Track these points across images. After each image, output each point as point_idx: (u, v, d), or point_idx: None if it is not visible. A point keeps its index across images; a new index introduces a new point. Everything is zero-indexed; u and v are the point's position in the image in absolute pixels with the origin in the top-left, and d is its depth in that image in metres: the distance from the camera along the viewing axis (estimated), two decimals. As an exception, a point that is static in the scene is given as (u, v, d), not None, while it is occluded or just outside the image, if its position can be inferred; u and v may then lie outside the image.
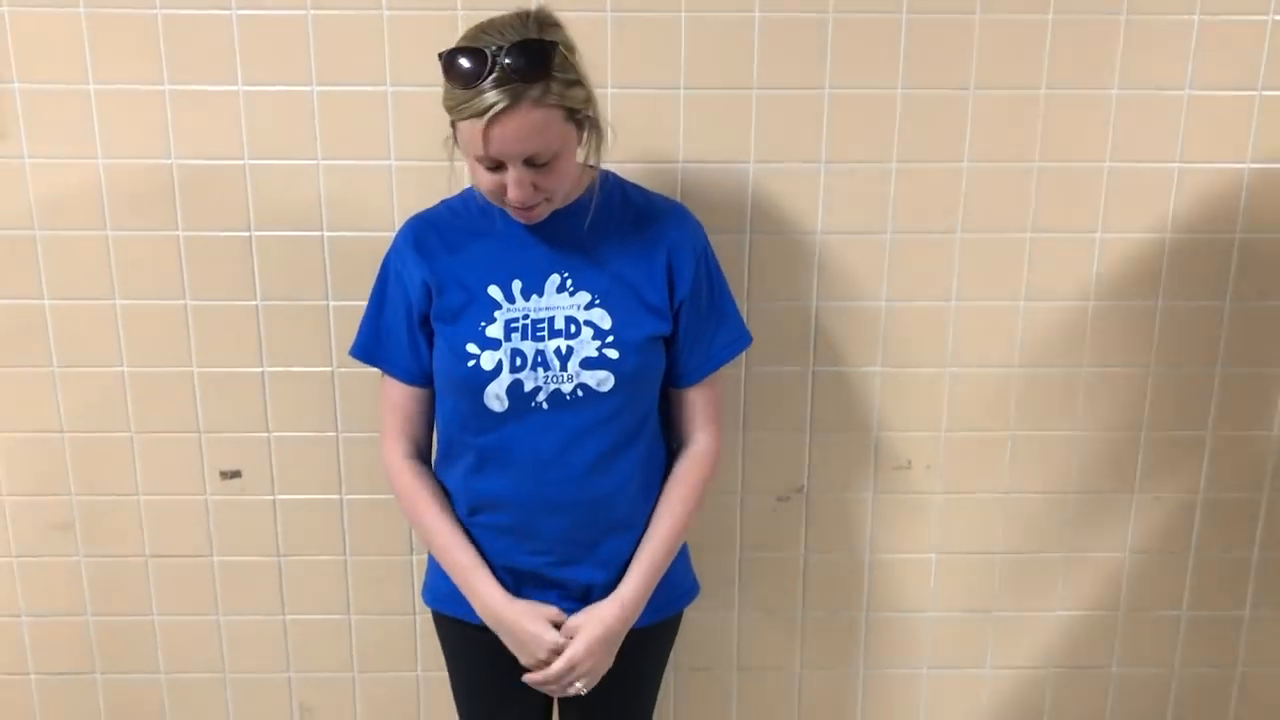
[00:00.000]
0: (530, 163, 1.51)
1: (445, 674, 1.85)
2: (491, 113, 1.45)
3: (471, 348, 1.64)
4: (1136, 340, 2.10)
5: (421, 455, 1.76)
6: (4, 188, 1.97)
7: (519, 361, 1.63)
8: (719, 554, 2.17)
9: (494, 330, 1.64)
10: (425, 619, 2.21)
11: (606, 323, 1.65)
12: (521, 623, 1.68)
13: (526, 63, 1.46)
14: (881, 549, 2.20)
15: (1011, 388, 2.12)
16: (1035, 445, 2.15)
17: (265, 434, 2.11)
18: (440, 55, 1.49)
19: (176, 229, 1.99)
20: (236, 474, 2.13)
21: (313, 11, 1.90)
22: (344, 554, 2.18)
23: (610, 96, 1.92)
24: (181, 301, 2.03)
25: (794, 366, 2.09)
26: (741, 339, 1.78)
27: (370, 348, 1.74)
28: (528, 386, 1.64)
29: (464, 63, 1.47)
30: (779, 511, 2.14)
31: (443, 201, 1.76)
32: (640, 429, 1.70)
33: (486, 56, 1.45)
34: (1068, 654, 2.29)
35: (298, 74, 1.93)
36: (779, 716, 2.31)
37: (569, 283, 1.65)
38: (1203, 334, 2.10)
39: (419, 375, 1.72)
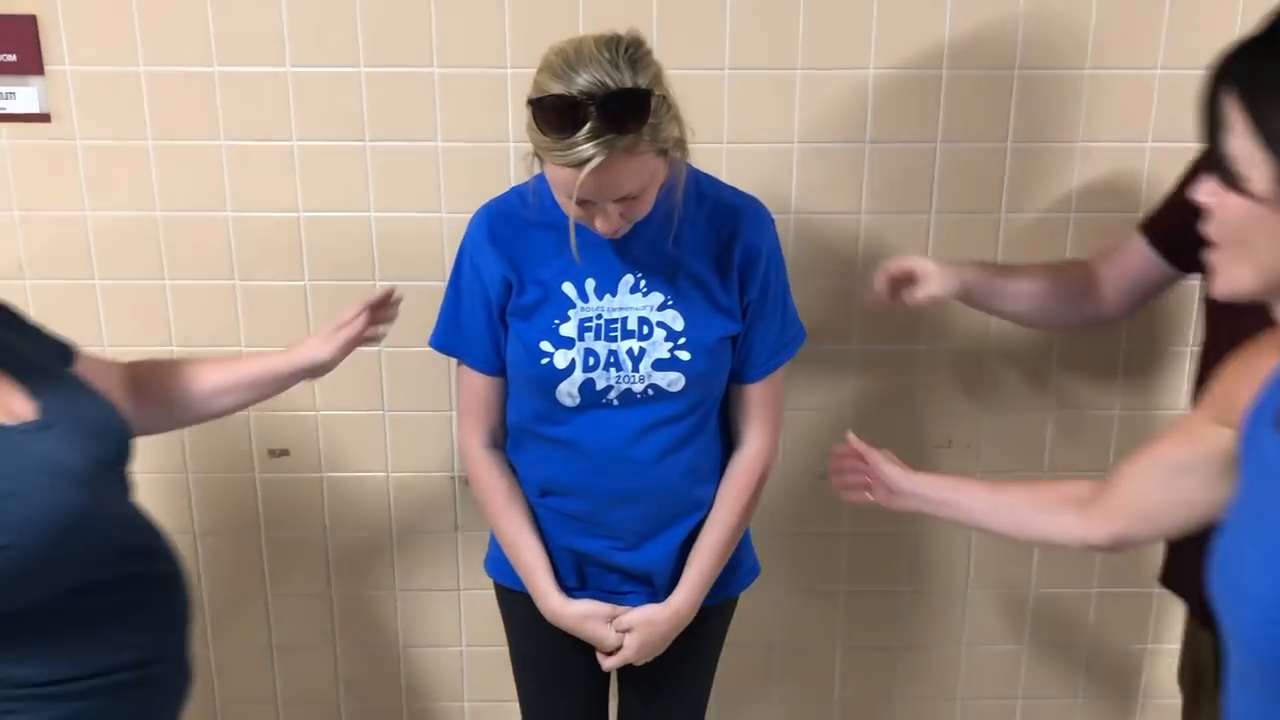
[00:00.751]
0: (621, 199, 1.50)
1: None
2: (588, 167, 1.41)
3: (545, 345, 1.64)
4: (1178, 318, 2.11)
5: (497, 443, 1.78)
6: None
7: (592, 361, 1.64)
8: (760, 531, 2.19)
9: (568, 329, 1.63)
10: (469, 595, 2.25)
11: (679, 324, 1.64)
12: (581, 626, 1.73)
13: (623, 115, 1.40)
14: (922, 527, 2.21)
15: (1050, 367, 2.13)
16: (1072, 424, 2.16)
17: (313, 413, 2.14)
18: (529, 101, 1.44)
19: (225, 210, 2.02)
20: (285, 452, 2.16)
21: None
22: (389, 531, 2.22)
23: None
24: (230, 282, 2.06)
25: (834, 345, 2.11)
26: (800, 336, 1.78)
27: (449, 339, 1.74)
28: (599, 385, 1.64)
29: (557, 110, 1.41)
30: (820, 490, 2.16)
31: (514, 189, 1.73)
32: (705, 422, 1.72)
33: (579, 105, 1.40)
34: (1101, 630, 2.31)
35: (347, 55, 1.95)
36: (820, 692, 2.34)
37: (642, 283, 1.64)
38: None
39: (497, 365, 1.72)
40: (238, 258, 2.05)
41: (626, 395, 1.65)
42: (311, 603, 2.26)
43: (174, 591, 1.48)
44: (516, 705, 1.93)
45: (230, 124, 1.98)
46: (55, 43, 1.93)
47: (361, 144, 1.99)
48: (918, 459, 2.14)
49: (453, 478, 2.18)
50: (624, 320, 1.64)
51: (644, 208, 1.53)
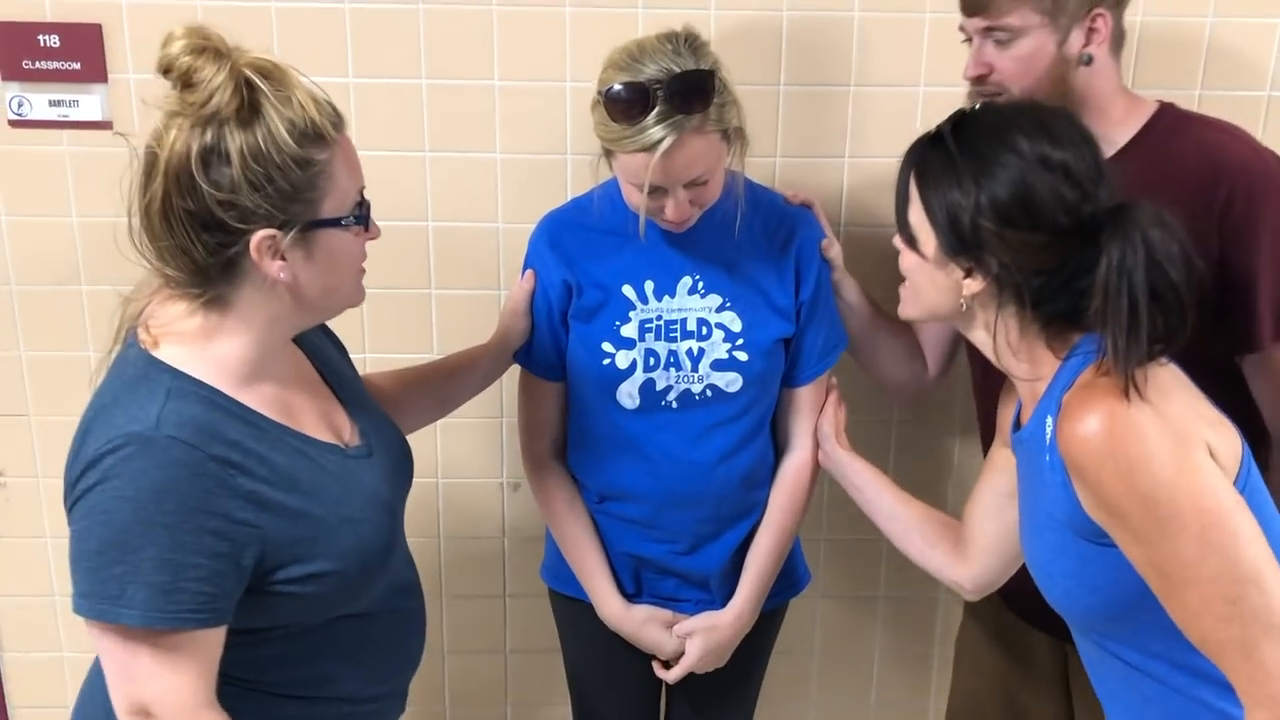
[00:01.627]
0: (690, 184, 1.54)
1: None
2: (660, 149, 1.47)
3: (607, 346, 1.67)
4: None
5: (558, 450, 1.81)
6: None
7: (652, 361, 1.67)
8: (802, 537, 2.23)
9: (628, 330, 1.67)
10: (515, 602, 2.27)
11: (737, 325, 1.67)
12: (641, 633, 1.77)
13: (689, 95, 1.47)
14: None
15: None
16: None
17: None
18: (600, 92, 1.51)
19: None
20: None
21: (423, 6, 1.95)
22: (437, 537, 2.24)
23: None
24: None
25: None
26: (843, 340, 1.81)
27: (523, 354, 1.77)
28: (659, 385, 1.68)
29: (626, 98, 1.48)
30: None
31: (573, 200, 1.80)
32: (760, 425, 1.75)
33: (648, 91, 1.47)
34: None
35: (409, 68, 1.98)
36: (857, 698, 2.37)
37: (700, 285, 1.68)
38: None
39: (559, 371, 1.75)
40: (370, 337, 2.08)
41: (685, 397, 1.68)
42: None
43: (421, 632, 1.51)
44: (558, 710, 1.96)
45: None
46: (119, 51, 1.95)
47: (422, 154, 2.01)
48: (956, 468, 2.20)
49: (501, 484, 2.21)
50: (683, 321, 1.67)
51: (713, 194, 1.58)
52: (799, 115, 2.02)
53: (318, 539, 1.26)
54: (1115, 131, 1.61)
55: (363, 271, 1.33)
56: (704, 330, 1.67)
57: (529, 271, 1.73)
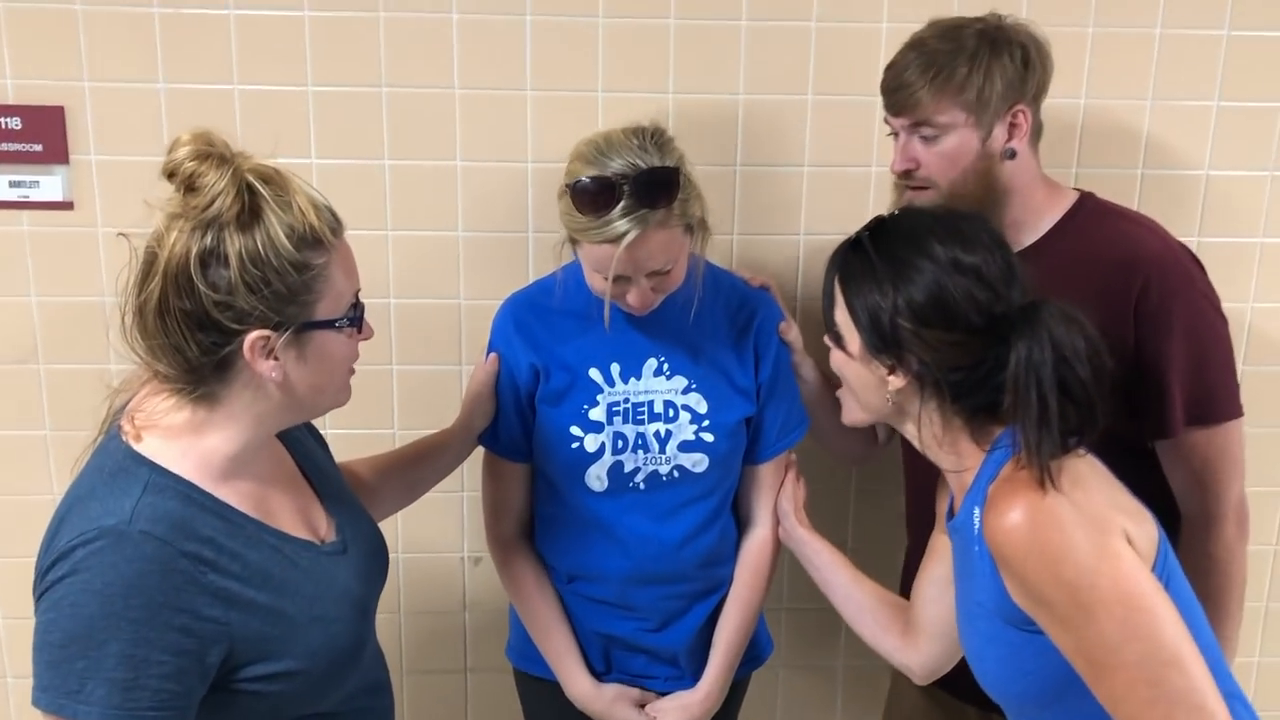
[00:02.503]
0: (653, 273, 1.58)
1: None
2: (625, 241, 1.50)
3: (575, 430, 1.69)
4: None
5: (525, 530, 1.82)
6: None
7: (620, 444, 1.69)
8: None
9: (596, 413, 1.69)
10: (476, 677, 2.26)
11: (703, 407, 1.70)
12: (610, 712, 1.78)
13: (654, 191, 1.51)
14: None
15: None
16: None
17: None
18: (566, 185, 1.55)
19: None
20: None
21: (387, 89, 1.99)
22: (398, 612, 2.23)
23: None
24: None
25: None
26: (804, 419, 1.83)
27: (489, 437, 1.77)
28: (628, 468, 1.69)
29: (592, 191, 1.51)
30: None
31: (536, 281, 1.82)
32: (724, 504, 1.78)
33: (614, 185, 1.50)
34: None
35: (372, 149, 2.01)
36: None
37: (665, 367, 1.71)
38: None
39: (526, 453, 1.76)
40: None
41: (653, 478, 1.70)
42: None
43: None
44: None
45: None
46: (82, 132, 1.96)
47: (384, 233, 2.04)
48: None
49: (462, 558, 2.21)
50: (650, 403, 1.70)
51: (675, 281, 1.62)
52: (754, 194, 2.07)
53: (287, 637, 1.26)
54: (1037, 219, 1.68)
55: (352, 371, 1.34)
56: (671, 412, 1.69)
57: (493, 354, 1.75)
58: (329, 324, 1.26)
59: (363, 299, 1.33)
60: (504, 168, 2.02)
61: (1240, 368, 2.06)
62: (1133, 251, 1.62)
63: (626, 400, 1.69)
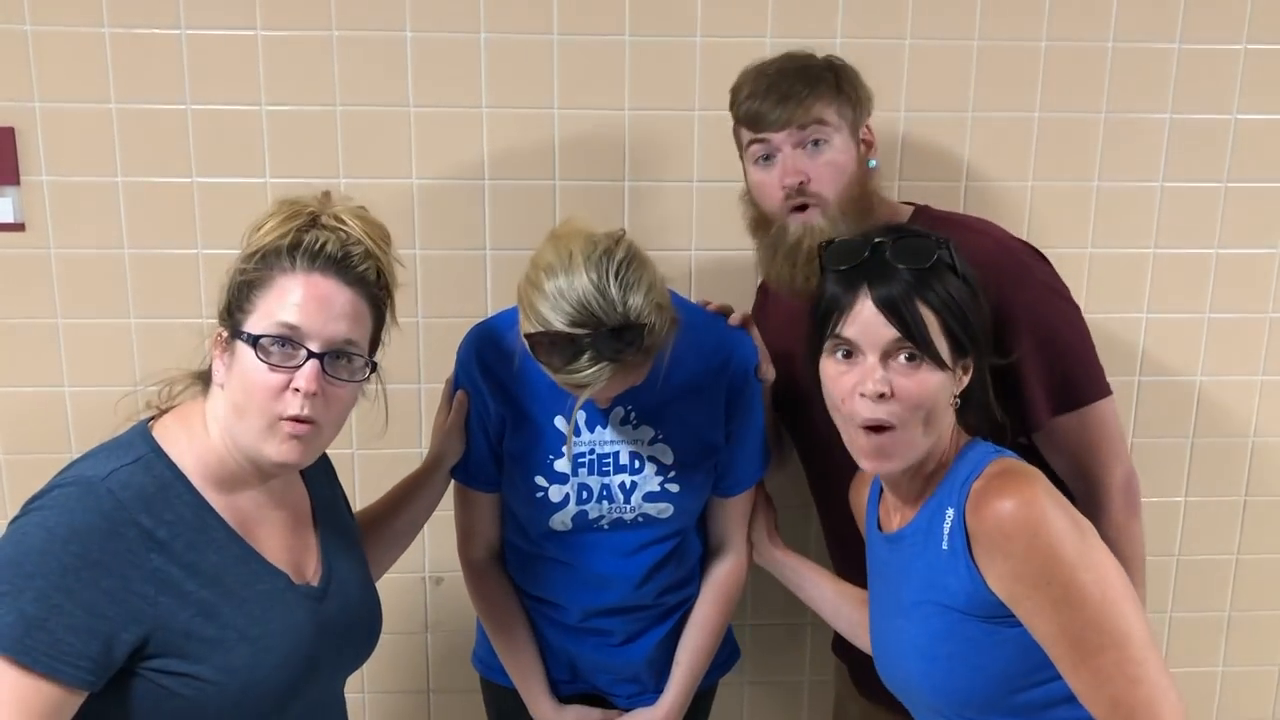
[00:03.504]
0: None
1: None
2: (589, 391, 1.45)
3: (540, 480, 1.66)
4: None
5: (495, 554, 1.80)
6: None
7: (585, 495, 1.67)
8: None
9: (561, 465, 1.65)
10: (439, 697, 2.24)
11: (668, 457, 1.66)
12: None
13: (620, 348, 1.42)
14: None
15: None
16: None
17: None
18: (526, 336, 1.46)
19: (201, 318, 2.03)
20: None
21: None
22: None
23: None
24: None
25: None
26: (769, 454, 1.79)
27: (461, 469, 1.72)
28: (592, 515, 1.68)
29: (555, 348, 1.43)
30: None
31: (500, 315, 1.71)
32: (688, 534, 1.76)
33: (576, 341, 1.42)
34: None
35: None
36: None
37: (632, 415, 1.66)
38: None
39: (497, 483, 1.73)
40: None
41: (617, 523, 1.69)
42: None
43: None
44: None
45: (208, 234, 2.01)
46: (33, 153, 1.95)
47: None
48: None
49: (424, 578, 2.19)
50: (616, 455, 1.66)
51: (638, 382, 1.54)
52: (643, 210, 2.08)
53: (213, 643, 1.26)
54: None
55: (277, 419, 1.28)
56: (636, 464, 1.66)
57: (461, 393, 1.70)
58: (247, 337, 1.28)
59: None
60: (387, 184, 2.02)
61: (1136, 379, 2.15)
62: (967, 257, 1.56)
63: (592, 450, 1.66)
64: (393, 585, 2.16)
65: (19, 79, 1.92)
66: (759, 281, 1.92)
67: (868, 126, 1.69)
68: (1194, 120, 2.08)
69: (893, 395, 1.33)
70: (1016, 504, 1.27)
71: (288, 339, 1.27)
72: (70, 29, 1.91)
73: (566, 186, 2.04)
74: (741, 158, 1.73)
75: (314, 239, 1.30)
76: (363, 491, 2.07)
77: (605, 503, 1.67)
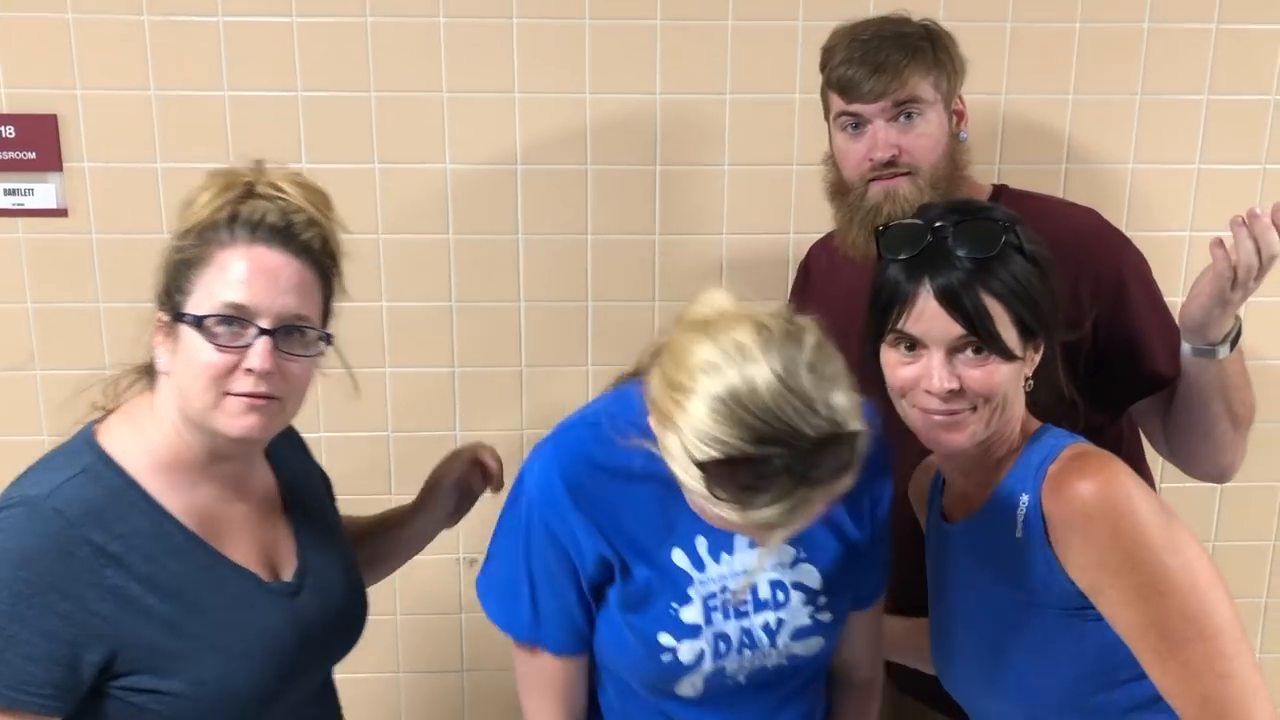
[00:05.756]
0: None
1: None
2: (781, 533, 1.11)
3: (666, 639, 1.30)
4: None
5: None
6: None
7: (723, 648, 1.31)
8: None
9: (691, 614, 1.29)
10: (472, 677, 2.27)
11: (815, 579, 1.32)
12: None
13: (831, 469, 1.07)
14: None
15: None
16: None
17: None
18: (697, 464, 1.08)
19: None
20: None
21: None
22: (394, 614, 2.24)
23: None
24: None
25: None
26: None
27: (519, 621, 1.34)
28: (730, 670, 1.33)
29: (734, 480, 1.07)
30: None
31: (582, 420, 1.33)
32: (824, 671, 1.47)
33: (767, 468, 1.05)
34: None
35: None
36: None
37: None
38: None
39: (583, 644, 1.36)
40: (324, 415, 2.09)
41: (758, 674, 1.36)
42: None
43: None
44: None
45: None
46: (75, 140, 1.98)
47: (375, 237, 2.06)
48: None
49: (458, 559, 2.21)
50: (754, 589, 1.32)
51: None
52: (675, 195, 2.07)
53: (182, 656, 1.20)
54: None
55: (222, 394, 1.20)
56: (780, 595, 1.32)
57: (472, 455, 1.55)
58: (190, 319, 1.20)
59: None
60: (421, 169, 2.03)
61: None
62: (1068, 228, 1.57)
63: (724, 588, 1.30)
64: (427, 567, 2.20)
65: (61, 67, 1.95)
66: (801, 260, 1.91)
67: (960, 97, 1.64)
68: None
69: (960, 390, 1.25)
70: (1098, 485, 1.20)
71: (235, 318, 1.19)
72: (110, 17, 1.94)
73: (598, 171, 2.05)
74: (827, 119, 1.68)
75: (253, 209, 1.21)
76: (399, 475, 2.11)
77: (746, 651, 1.32)
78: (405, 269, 2.08)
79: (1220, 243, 1.41)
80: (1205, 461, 1.65)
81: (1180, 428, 1.62)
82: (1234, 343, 1.50)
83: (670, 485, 1.15)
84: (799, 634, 1.33)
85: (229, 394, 1.20)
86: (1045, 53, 2.03)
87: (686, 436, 1.08)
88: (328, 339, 1.28)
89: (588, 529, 1.27)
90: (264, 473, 1.37)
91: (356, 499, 2.09)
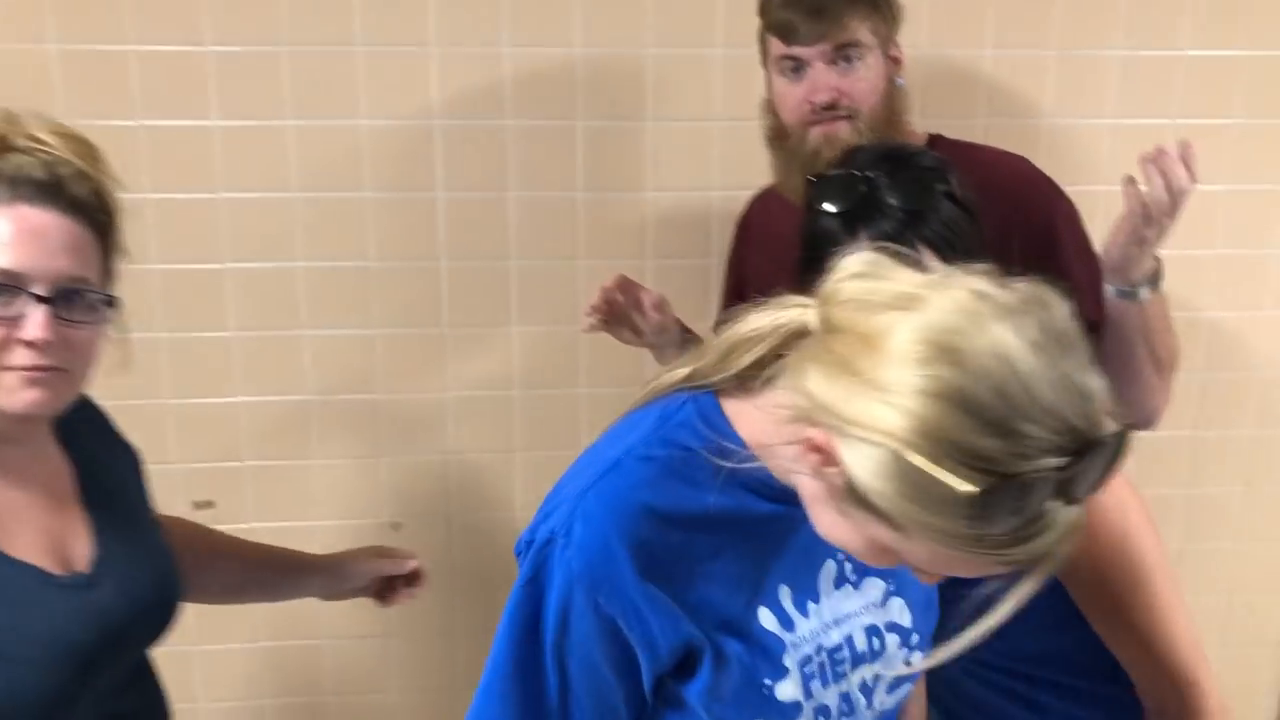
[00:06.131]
0: None
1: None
2: (1049, 566, 0.87)
3: None
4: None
5: None
6: None
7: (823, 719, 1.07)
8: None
9: (788, 690, 1.02)
10: (395, 642, 2.24)
11: (906, 618, 1.12)
12: None
13: (1106, 474, 0.89)
14: None
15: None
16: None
17: (239, 464, 2.13)
18: (969, 495, 0.81)
19: (225, 330, 2.04)
20: (210, 504, 2.13)
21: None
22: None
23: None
24: (233, 400, 2.05)
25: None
26: None
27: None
28: None
29: (1016, 502, 0.82)
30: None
31: (635, 458, 0.99)
32: None
33: (1049, 485, 0.83)
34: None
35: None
36: None
37: (849, 571, 1.08)
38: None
39: None
40: (242, 378, 2.07)
41: None
42: (243, 656, 2.24)
43: None
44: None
45: (236, 249, 2.02)
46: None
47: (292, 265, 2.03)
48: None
49: (385, 524, 2.18)
50: (849, 641, 1.08)
51: None
52: (599, 150, 2.05)
53: None
54: None
55: (5, 370, 1.12)
56: (875, 644, 1.09)
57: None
58: None
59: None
60: (335, 125, 2.00)
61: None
62: (998, 176, 1.58)
63: (819, 649, 1.05)
64: (355, 531, 2.15)
65: None
66: (739, 216, 1.89)
67: (896, 43, 1.65)
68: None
69: None
70: (1113, 500, 1.24)
71: (3, 285, 1.10)
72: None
73: (518, 127, 2.02)
74: (764, 64, 1.68)
75: (12, 165, 1.12)
76: (319, 439, 2.07)
77: (845, 719, 1.10)
78: (321, 228, 2.03)
79: (1131, 180, 1.44)
80: (1132, 406, 1.68)
81: (1107, 374, 1.65)
82: (1155, 285, 1.54)
83: (747, 524, 0.98)
84: (894, 686, 1.12)
85: (6, 369, 1.10)
86: (963, 7, 2.03)
87: (939, 458, 0.81)
88: (111, 301, 1.19)
89: (663, 606, 0.97)
90: (53, 456, 1.25)
91: (275, 464, 2.12)
